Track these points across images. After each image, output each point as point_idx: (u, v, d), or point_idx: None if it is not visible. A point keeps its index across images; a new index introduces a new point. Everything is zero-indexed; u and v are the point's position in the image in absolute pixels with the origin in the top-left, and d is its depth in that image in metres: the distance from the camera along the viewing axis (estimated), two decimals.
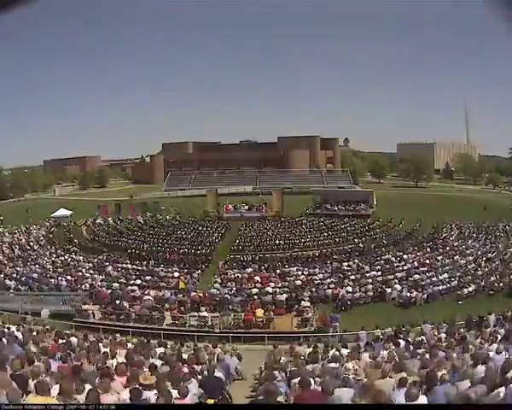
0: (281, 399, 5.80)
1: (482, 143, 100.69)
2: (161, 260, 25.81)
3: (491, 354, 7.49)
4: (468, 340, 9.62)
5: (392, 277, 21.67)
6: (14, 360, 5.95)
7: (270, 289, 19.22)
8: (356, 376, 7.00)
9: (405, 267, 23.24)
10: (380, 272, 22.45)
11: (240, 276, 22.11)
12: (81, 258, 26.54)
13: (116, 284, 20.30)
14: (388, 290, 19.69)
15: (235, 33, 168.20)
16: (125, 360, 7.17)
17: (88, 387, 5.01)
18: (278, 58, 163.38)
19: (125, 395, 5.17)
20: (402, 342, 11.04)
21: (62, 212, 39.57)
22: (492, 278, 20.97)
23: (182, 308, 16.96)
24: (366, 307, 18.93)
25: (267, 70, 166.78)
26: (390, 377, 6.19)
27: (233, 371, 9.55)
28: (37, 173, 74.09)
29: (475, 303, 18.18)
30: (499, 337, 9.27)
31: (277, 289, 19.37)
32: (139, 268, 24.20)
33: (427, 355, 8.32)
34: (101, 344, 9.77)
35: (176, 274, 22.62)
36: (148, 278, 22.04)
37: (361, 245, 28.24)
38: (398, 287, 20.05)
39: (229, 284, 20.66)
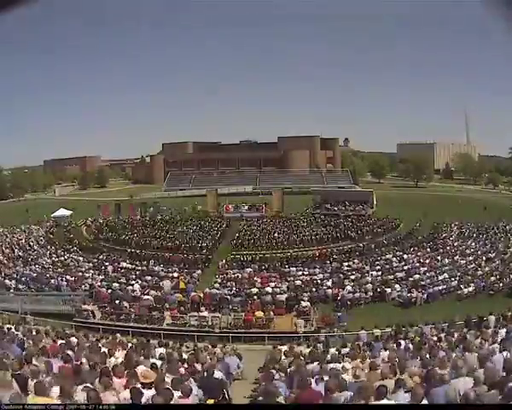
0: (280, 399, 5.79)
1: (482, 143, 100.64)
2: (161, 260, 25.81)
3: (492, 353, 7.51)
4: (469, 340, 9.63)
5: (392, 277, 21.68)
6: (14, 360, 5.95)
7: (269, 290, 19.23)
8: (355, 377, 7.00)
9: (405, 267, 23.25)
10: (380, 272, 22.46)
11: (240, 276, 22.11)
12: (81, 258, 26.59)
13: (116, 284, 20.31)
14: (388, 290, 19.69)
15: (235, 33, 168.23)
16: (124, 360, 7.17)
17: (88, 387, 5.02)
18: (278, 58, 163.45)
19: (125, 395, 5.18)
20: (402, 343, 11.05)
21: (62, 212, 39.59)
22: (492, 278, 20.97)
23: (182, 308, 16.98)
24: (366, 307, 18.95)
25: (267, 70, 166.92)
26: (390, 378, 6.20)
27: (233, 371, 9.55)
28: (37, 173, 74.09)
29: (475, 303, 18.18)
30: (499, 338, 9.27)
31: (277, 289, 19.38)
32: (139, 268, 24.22)
33: (427, 355, 8.33)
34: (100, 344, 9.78)
35: (176, 274, 22.64)
36: (148, 278, 22.07)
37: (361, 245, 28.24)
38: (398, 287, 20.07)
39: (229, 283, 20.66)
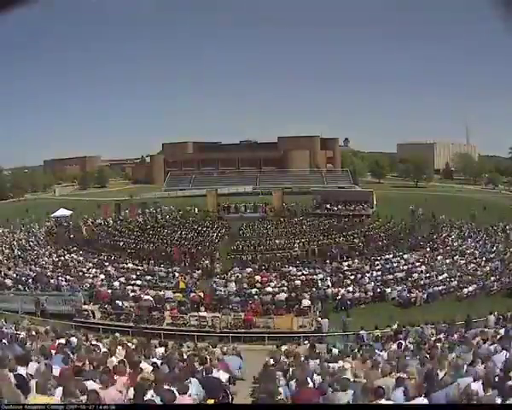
0: (280, 398, 5.81)
1: (482, 143, 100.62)
2: (161, 260, 25.80)
3: (492, 353, 7.52)
4: (468, 340, 9.65)
5: (392, 277, 21.69)
6: (13, 359, 5.96)
7: (270, 289, 19.23)
8: (355, 376, 7.01)
9: (405, 267, 23.24)
10: (380, 272, 22.46)
11: (240, 276, 22.11)
12: (81, 258, 26.60)
13: (116, 284, 20.32)
14: (388, 290, 19.71)
15: (235, 34, 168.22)
16: (124, 360, 7.18)
17: (89, 386, 5.03)
18: (278, 58, 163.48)
19: (127, 394, 5.19)
20: (402, 343, 11.06)
21: (62, 212, 39.57)
22: (492, 278, 20.97)
23: (182, 308, 16.99)
24: (366, 307, 18.96)
25: (267, 70, 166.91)
26: (389, 377, 6.21)
27: (234, 370, 9.57)
28: (37, 173, 74.10)
29: (475, 303, 18.20)
30: (499, 337, 9.29)
31: (277, 289, 19.38)
32: (139, 268, 24.24)
33: (427, 355, 8.35)
34: (100, 344, 9.79)
35: (176, 274, 22.65)
36: (148, 277, 22.09)
37: (361, 245, 28.23)
38: (398, 287, 20.08)
39: (229, 284, 20.66)
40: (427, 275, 21.77)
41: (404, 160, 73.50)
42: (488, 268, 22.85)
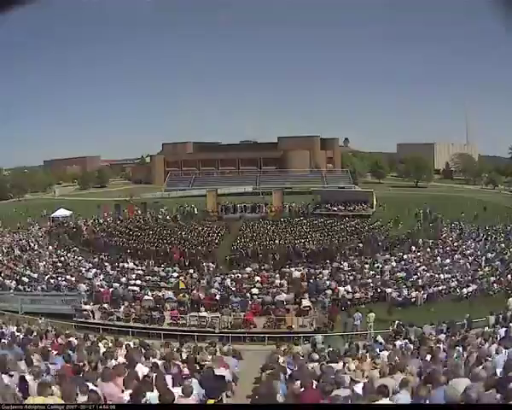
0: (280, 399, 5.80)
1: (482, 143, 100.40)
2: (161, 261, 25.80)
3: (492, 353, 7.53)
4: (468, 340, 9.66)
5: (392, 277, 21.69)
6: (13, 360, 5.96)
7: (270, 289, 19.22)
8: (355, 376, 7.03)
9: (405, 267, 23.24)
10: (380, 272, 22.47)
11: (240, 276, 22.12)
12: (81, 258, 26.60)
13: (116, 284, 20.33)
14: (388, 290, 19.71)
15: (235, 33, 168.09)
16: (125, 360, 7.19)
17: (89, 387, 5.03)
18: (279, 58, 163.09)
19: (127, 394, 5.20)
20: (402, 343, 11.07)
21: (62, 212, 39.60)
22: (492, 279, 20.97)
23: (182, 308, 17.00)
24: (366, 307, 18.93)
25: (268, 70, 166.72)
26: (390, 377, 6.21)
27: (233, 370, 9.57)
28: (37, 173, 74.11)
29: (475, 303, 18.20)
30: (499, 337, 9.30)
31: (277, 289, 19.38)
32: (139, 268, 24.24)
33: (427, 356, 8.35)
34: (101, 344, 9.79)
35: (175, 274, 22.65)
36: (147, 278, 22.09)
37: (361, 245, 28.23)
38: (398, 287, 20.08)
39: (229, 283, 20.66)
40: (427, 275, 21.76)
41: (404, 160, 73.42)
42: (488, 269, 22.86)
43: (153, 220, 38.14)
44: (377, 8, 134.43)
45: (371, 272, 22.44)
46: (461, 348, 8.72)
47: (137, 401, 4.90)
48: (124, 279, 21.52)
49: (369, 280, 21.04)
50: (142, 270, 23.84)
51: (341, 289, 19.48)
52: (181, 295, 18.57)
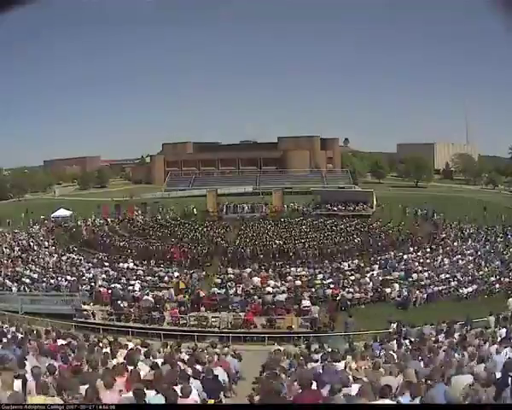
0: (281, 398, 5.79)
1: (482, 143, 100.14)
2: (161, 261, 25.80)
3: (492, 354, 7.53)
4: (468, 340, 9.66)
5: (391, 277, 21.69)
6: (13, 360, 5.96)
7: (270, 289, 19.23)
8: (356, 376, 7.01)
9: (405, 267, 23.22)
10: (379, 272, 22.45)
11: (239, 276, 22.11)
12: (81, 258, 26.59)
13: (116, 285, 20.33)
14: (388, 290, 19.71)
15: (235, 33, 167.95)
16: (124, 361, 7.18)
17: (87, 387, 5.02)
18: (279, 59, 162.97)
19: (127, 395, 5.19)
20: (402, 342, 11.06)
21: (62, 212, 39.57)
22: (492, 279, 20.97)
23: (182, 308, 16.99)
24: (366, 307, 18.96)
25: (268, 70, 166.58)
26: (390, 376, 6.22)
27: (233, 370, 9.58)
28: (37, 173, 74.05)
29: (475, 303, 18.21)
30: (499, 338, 9.29)
31: (277, 289, 19.38)
32: (139, 268, 24.24)
33: (428, 355, 8.35)
34: (101, 344, 9.80)
35: (176, 274, 22.65)
36: (148, 278, 22.09)
37: (361, 245, 28.21)
38: (398, 287, 20.09)
39: (229, 283, 20.65)
40: (427, 275, 21.76)
41: (404, 160, 73.34)
42: (488, 269, 22.86)
43: (153, 220, 38.14)
44: (377, 7, 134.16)
45: (371, 273, 22.42)
46: (461, 348, 8.71)
47: (139, 400, 4.90)
48: (123, 279, 21.54)
49: (369, 280, 21.04)
50: (142, 270, 23.85)
51: (341, 289, 19.50)
52: (181, 295, 18.59)
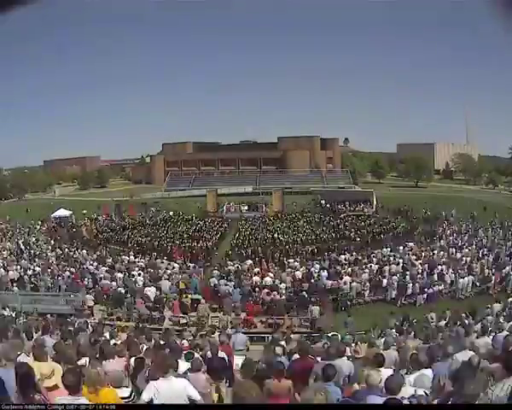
0: (280, 361, 5.81)
1: (482, 143, 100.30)
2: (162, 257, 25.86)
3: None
4: (469, 325, 9.83)
5: (391, 276, 21.65)
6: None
7: (269, 280, 19.37)
8: (355, 353, 7.20)
9: (403, 267, 23.21)
10: (379, 273, 22.43)
11: (240, 268, 22.24)
12: (81, 258, 26.57)
13: (115, 284, 20.34)
14: (385, 281, 19.73)
15: (235, 34, 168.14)
16: (125, 341, 7.26)
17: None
18: (279, 59, 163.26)
19: (128, 364, 5.27)
20: (403, 328, 11.22)
21: (62, 212, 39.58)
22: (493, 278, 20.94)
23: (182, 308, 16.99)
24: (366, 307, 18.99)
25: (267, 70, 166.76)
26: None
27: (240, 347, 9.73)
28: (37, 173, 74.11)
29: (475, 303, 18.20)
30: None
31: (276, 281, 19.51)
32: (141, 261, 24.39)
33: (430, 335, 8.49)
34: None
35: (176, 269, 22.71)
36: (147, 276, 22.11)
37: (359, 246, 28.22)
38: (397, 285, 20.10)
39: (228, 282, 20.65)
40: (426, 275, 21.78)
41: (404, 160, 73.42)
42: (487, 268, 22.83)
43: (152, 220, 38.13)
44: (377, 8, 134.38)
45: (370, 272, 22.42)
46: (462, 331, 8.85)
47: (139, 370, 4.94)
48: (122, 276, 21.55)
49: (368, 278, 21.09)
50: (143, 268, 23.86)
51: (343, 285, 19.52)
52: (183, 295, 18.58)
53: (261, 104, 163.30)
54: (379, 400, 3.66)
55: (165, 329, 11.13)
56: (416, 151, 75.42)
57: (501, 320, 11.08)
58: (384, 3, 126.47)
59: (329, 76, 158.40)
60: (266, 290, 17.86)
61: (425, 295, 19.20)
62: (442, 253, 24.86)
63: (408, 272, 21.16)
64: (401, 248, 26.11)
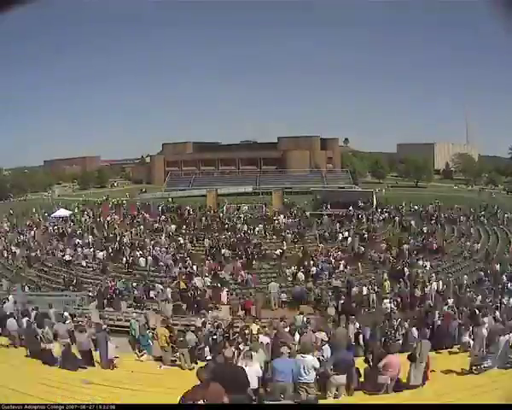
0: None
1: (482, 143, 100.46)
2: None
3: None
4: None
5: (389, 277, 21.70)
6: None
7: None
8: None
9: (402, 267, 23.25)
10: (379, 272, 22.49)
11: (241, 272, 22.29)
12: (81, 258, 26.59)
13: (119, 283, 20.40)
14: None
15: (235, 34, 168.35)
16: None
17: None
18: (279, 59, 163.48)
19: None
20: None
21: (62, 212, 39.54)
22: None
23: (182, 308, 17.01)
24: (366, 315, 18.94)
25: (268, 70, 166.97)
26: None
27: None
28: (37, 173, 74.09)
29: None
30: None
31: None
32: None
33: None
34: None
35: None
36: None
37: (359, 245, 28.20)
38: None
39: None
40: (425, 274, 21.79)
41: (404, 160, 73.40)
42: (485, 267, 22.90)
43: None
44: (378, 9, 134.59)
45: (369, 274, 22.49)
46: None
47: None
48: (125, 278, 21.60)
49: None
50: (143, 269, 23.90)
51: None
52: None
53: (261, 104, 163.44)
54: None
55: None
56: (416, 151, 75.41)
57: None
58: (384, 3, 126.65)
59: (330, 76, 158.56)
60: None
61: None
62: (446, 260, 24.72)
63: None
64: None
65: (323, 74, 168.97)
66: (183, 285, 20.13)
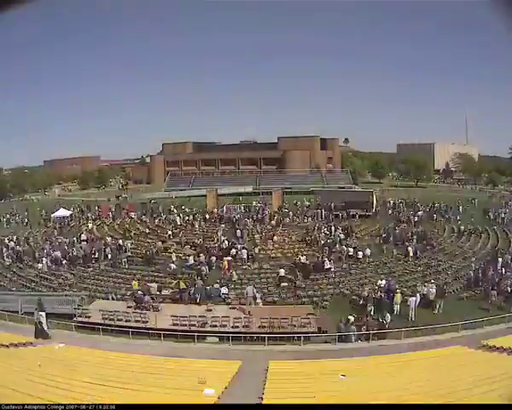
0: None
1: (482, 143, 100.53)
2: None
3: None
4: None
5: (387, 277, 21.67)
6: None
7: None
8: None
9: (401, 267, 23.23)
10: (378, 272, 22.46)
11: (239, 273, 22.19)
12: (81, 257, 26.55)
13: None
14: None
15: (235, 34, 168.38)
16: None
17: None
18: (279, 58, 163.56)
19: None
20: None
21: (62, 212, 39.53)
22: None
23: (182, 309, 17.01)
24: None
25: (268, 70, 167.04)
26: None
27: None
28: (38, 173, 74.11)
29: (474, 303, 18.22)
30: None
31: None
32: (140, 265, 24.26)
33: None
34: None
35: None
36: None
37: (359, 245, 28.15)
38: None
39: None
40: (423, 274, 21.79)
41: (404, 160, 73.42)
42: (483, 267, 22.83)
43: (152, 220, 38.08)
44: (378, 8, 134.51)
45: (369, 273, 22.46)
46: None
47: None
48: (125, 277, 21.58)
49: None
50: (141, 270, 23.87)
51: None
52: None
53: (261, 104, 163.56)
54: None
55: None
56: (416, 151, 75.43)
57: None
58: (385, 3, 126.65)
59: (330, 76, 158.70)
60: None
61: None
62: (445, 259, 24.74)
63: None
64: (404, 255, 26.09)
65: (324, 74, 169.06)
66: (183, 285, 20.16)
